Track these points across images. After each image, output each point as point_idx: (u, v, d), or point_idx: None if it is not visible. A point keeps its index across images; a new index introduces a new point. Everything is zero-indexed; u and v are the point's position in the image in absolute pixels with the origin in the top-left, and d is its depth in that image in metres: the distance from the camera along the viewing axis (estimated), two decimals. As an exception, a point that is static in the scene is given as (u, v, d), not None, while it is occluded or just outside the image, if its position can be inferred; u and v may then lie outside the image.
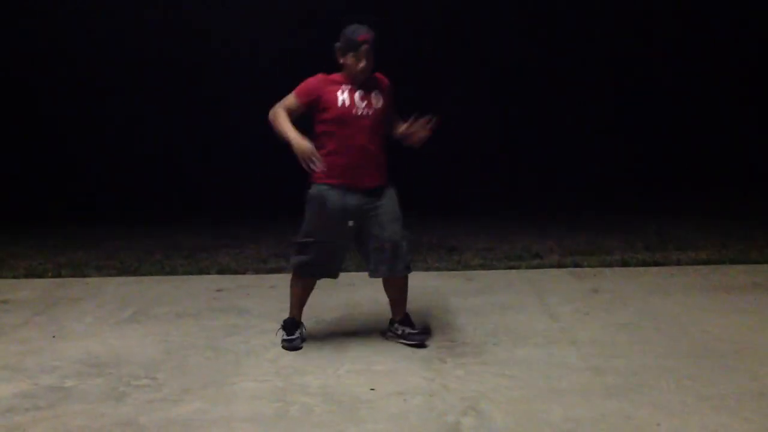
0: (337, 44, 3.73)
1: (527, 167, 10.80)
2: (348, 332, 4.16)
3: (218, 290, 5.22)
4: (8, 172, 10.58)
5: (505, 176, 10.45)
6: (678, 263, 5.85)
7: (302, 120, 3.76)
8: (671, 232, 7.12)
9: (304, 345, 3.92)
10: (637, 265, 5.82)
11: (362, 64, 3.69)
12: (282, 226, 7.05)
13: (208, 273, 5.84)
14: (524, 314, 4.46)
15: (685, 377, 3.35)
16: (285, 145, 3.65)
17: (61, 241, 7.36)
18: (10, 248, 6.97)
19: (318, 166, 3.62)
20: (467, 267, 5.92)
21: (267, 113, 3.78)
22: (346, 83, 3.75)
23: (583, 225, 7.71)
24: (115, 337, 4.14)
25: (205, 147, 11.13)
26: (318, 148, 3.65)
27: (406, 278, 3.91)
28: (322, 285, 4.04)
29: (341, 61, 3.74)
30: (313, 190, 3.77)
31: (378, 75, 3.84)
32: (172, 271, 5.93)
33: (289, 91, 3.79)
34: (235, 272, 5.87)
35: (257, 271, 5.89)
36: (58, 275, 5.84)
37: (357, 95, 3.74)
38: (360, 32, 3.70)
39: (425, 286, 5.07)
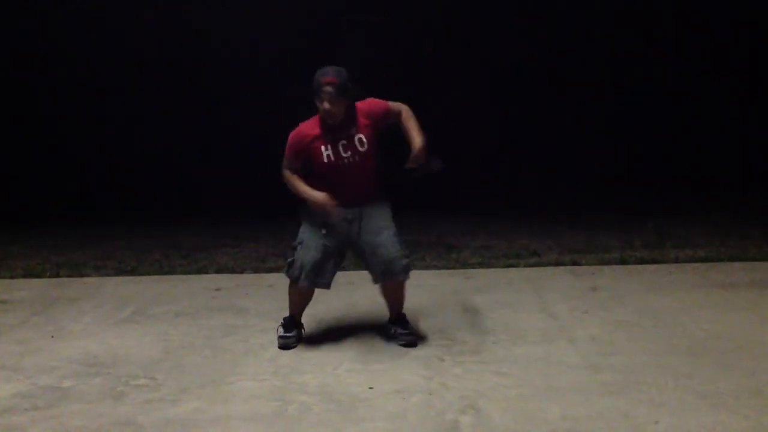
0: None
1: (527, 167, 10.77)
2: (346, 331, 4.17)
3: (217, 289, 5.22)
4: (8, 172, 10.57)
5: (505, 176, 10.43)
6: (676, 261, 5.85)
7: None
8: (670, 230, 7.11)
9: (303, 344, 3.92)
10: (635, 263, 5.81)
11: (325, 106, 3.62)
12: (281, 225, 7.06)
13: (207, 272, 5.84)
14: (523, 312, 4.46)
15: (683, 375, 3.35)
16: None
17: (60, 241, 7.35)
18: (8, 248, 6.97)
19: (337, 214, 3.67)
20: (466, 265, 5.91)
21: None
22: (325, 131, 3.70)
23: (582, 224, 7.70)
24: (114, 337, 4.14)
25: (205, 147, 11.11)
26: (316, 187, 3.71)
27: (402, 282, 3.91)
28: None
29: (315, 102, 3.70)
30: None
31: (357, 104, 3.75)
32: (171, 271, 5.93)
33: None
34: (234, 271, 5.87)
35: (256, 270, 5.89)
36: (57, 275, 5.84)
37: (340, 147, 3.71)
38: (327, 74, 3.61)
39: (424, 285, 5.06)
